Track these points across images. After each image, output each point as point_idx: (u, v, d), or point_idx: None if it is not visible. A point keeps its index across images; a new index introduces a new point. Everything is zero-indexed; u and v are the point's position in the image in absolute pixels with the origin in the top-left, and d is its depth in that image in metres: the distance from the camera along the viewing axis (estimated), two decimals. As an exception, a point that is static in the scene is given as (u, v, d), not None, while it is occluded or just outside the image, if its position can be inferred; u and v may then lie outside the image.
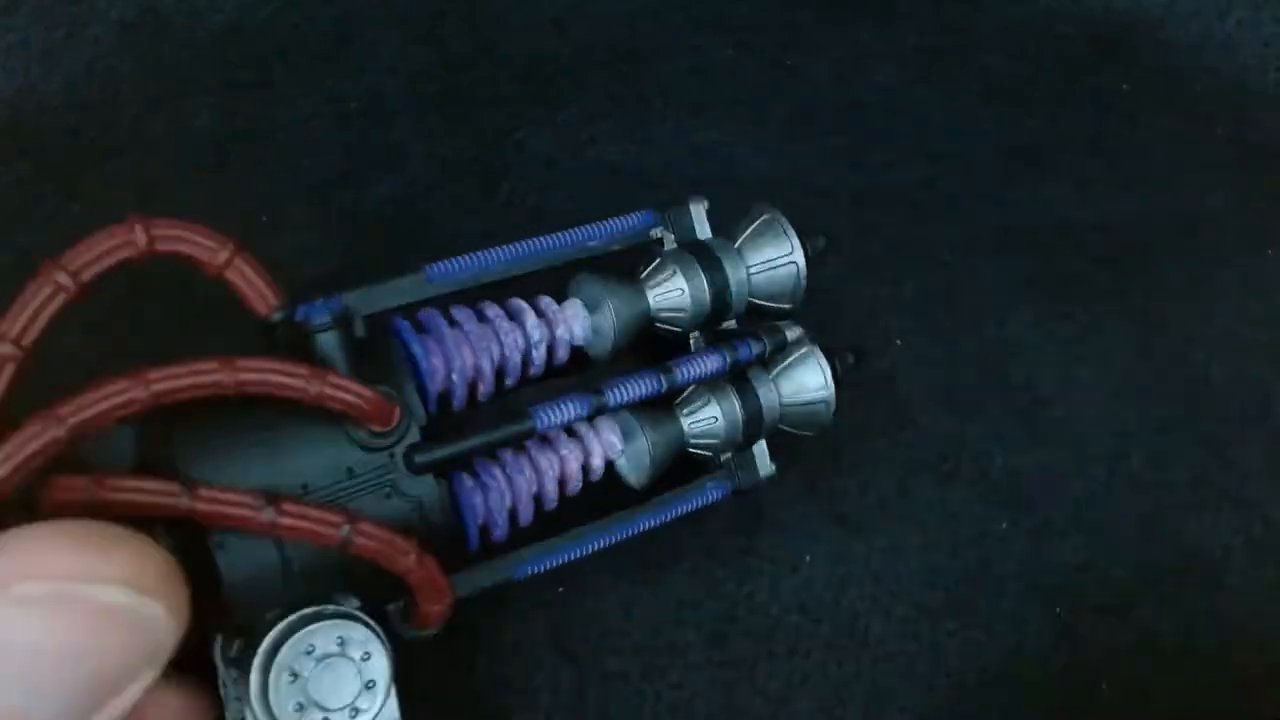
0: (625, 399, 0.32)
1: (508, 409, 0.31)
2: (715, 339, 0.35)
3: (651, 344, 0.34)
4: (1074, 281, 0.42)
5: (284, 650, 0.26)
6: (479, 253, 0.32)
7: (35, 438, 0.23)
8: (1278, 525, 0.39)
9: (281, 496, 0.25)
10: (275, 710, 0.26)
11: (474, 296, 0.32)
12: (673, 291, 0.33)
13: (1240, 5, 0.49)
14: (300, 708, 0.26)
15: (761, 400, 0.34)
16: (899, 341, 0.41)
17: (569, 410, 0.31)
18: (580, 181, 0.42)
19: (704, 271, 0.33)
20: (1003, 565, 0.37)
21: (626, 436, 0.33)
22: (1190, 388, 0.41)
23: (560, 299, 0.33)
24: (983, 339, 0.41)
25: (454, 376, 0.31)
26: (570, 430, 0.33)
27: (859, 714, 0.35)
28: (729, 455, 0.35)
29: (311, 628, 0.26)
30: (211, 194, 0.38)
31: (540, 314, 0.33)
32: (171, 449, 0.26)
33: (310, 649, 0.26)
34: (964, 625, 0.37)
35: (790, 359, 0.35)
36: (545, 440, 0.32)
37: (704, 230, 0.35)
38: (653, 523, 0.34)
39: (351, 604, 0.27)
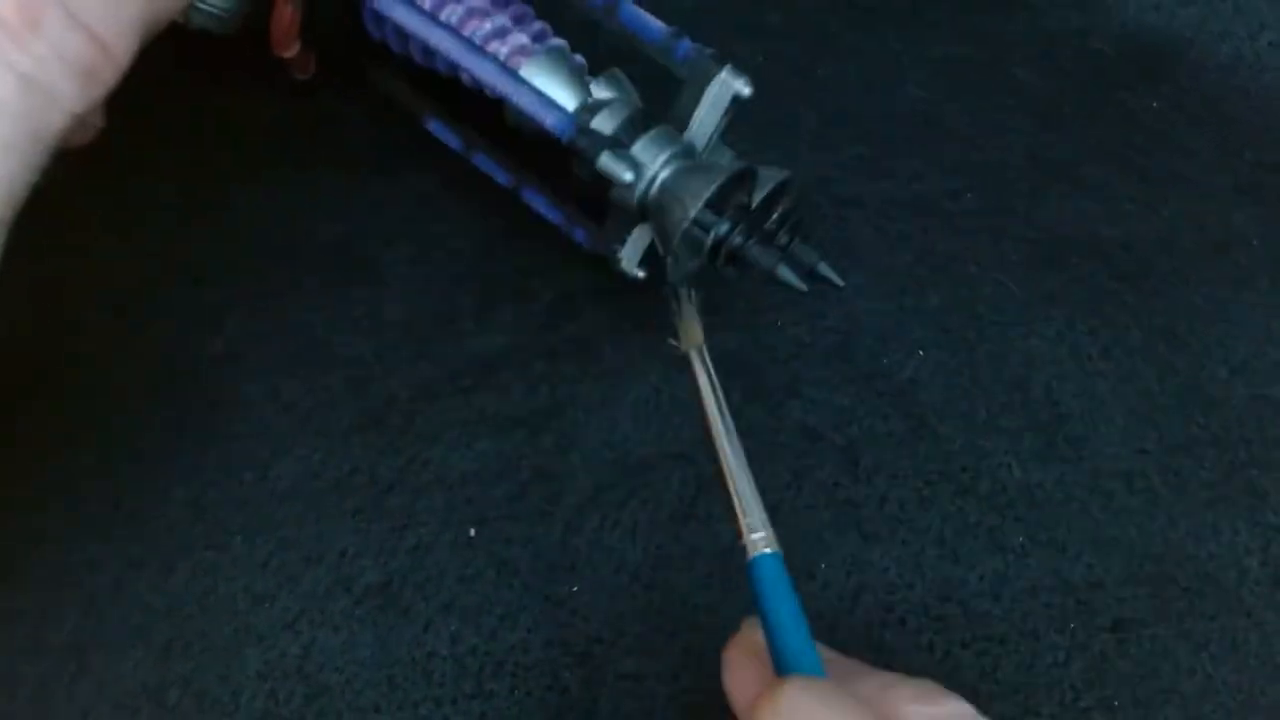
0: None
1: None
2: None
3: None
4: (1098, 297, 0.42)
5: None
6: None
7: None
8: (1295, 548, 0.39)
9: None
10: None
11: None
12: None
13: (1271, 26, 0.49)
14: None
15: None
16: (921, 352, 0.41)
17: None
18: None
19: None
20: (1018, 579, 0.37)
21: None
22: (1210, 408, 0.41)
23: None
24: (1005, 352, 0.41)
25: None
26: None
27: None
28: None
29: None
30: None
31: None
32: None
33: None
34: (977, 638, 0.36)
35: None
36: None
37: (708, 116, 0.36)
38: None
39: None
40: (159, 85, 0.35)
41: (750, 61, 0.46)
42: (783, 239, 0.36)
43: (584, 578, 0.37)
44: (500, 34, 0.38)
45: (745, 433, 0.38)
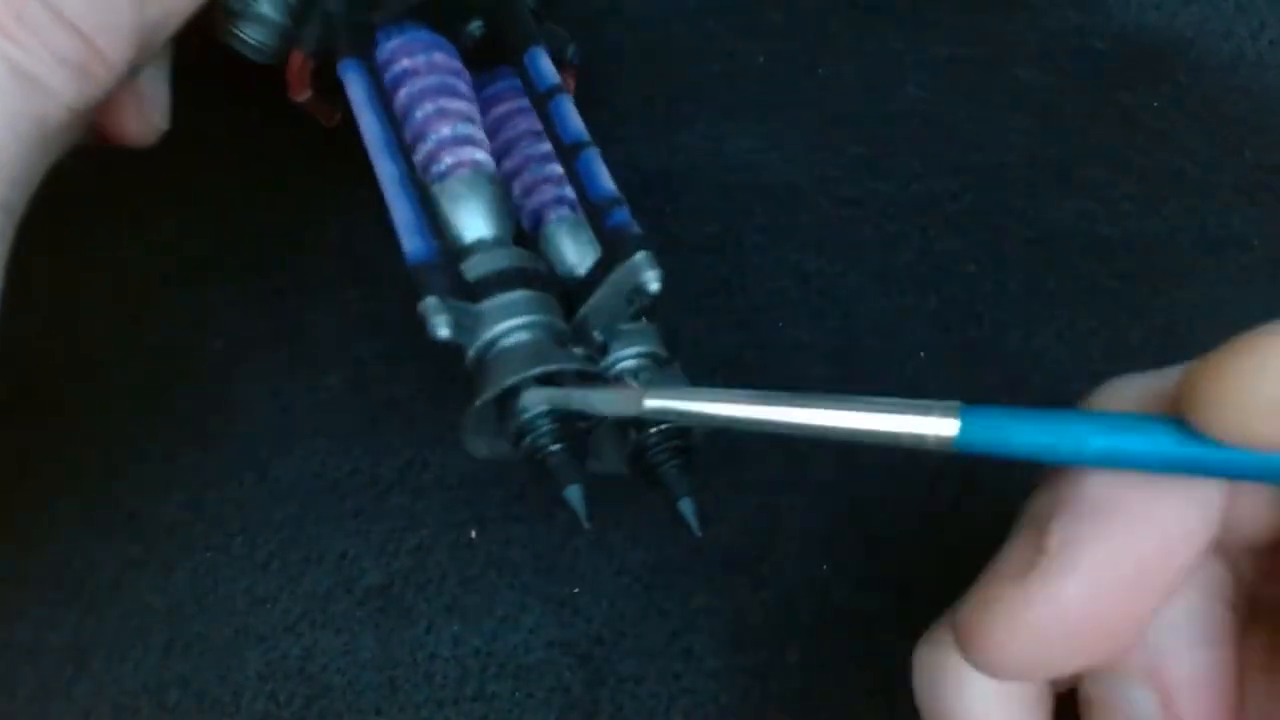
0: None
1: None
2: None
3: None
4: (1098, 297, 0.42)
5: None
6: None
7: None
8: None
9: None
10: None
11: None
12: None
13: (1272, 26, 0.49)
14: None
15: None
16: (922, 353, 0.41)
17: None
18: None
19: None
20: (1019, 580, 0.37)
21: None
22: (1211, 408, 0.41)
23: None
24: (1006, 352, 0.41)
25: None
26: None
27: (873, 724, 0.35)
28: None
29: None
30: None
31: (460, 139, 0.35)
32: None
33: None
34: (978, 639, 0.36)
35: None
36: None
37: (608, 297, 0.32)
38: None
39: None
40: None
41: (751, 61, 0.47)
42: (657, 456, 0.33)
43: (585, 578, 0.37)
44: (459, 142, 0.34)
45: (745, 433, 0.39)
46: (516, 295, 0.32)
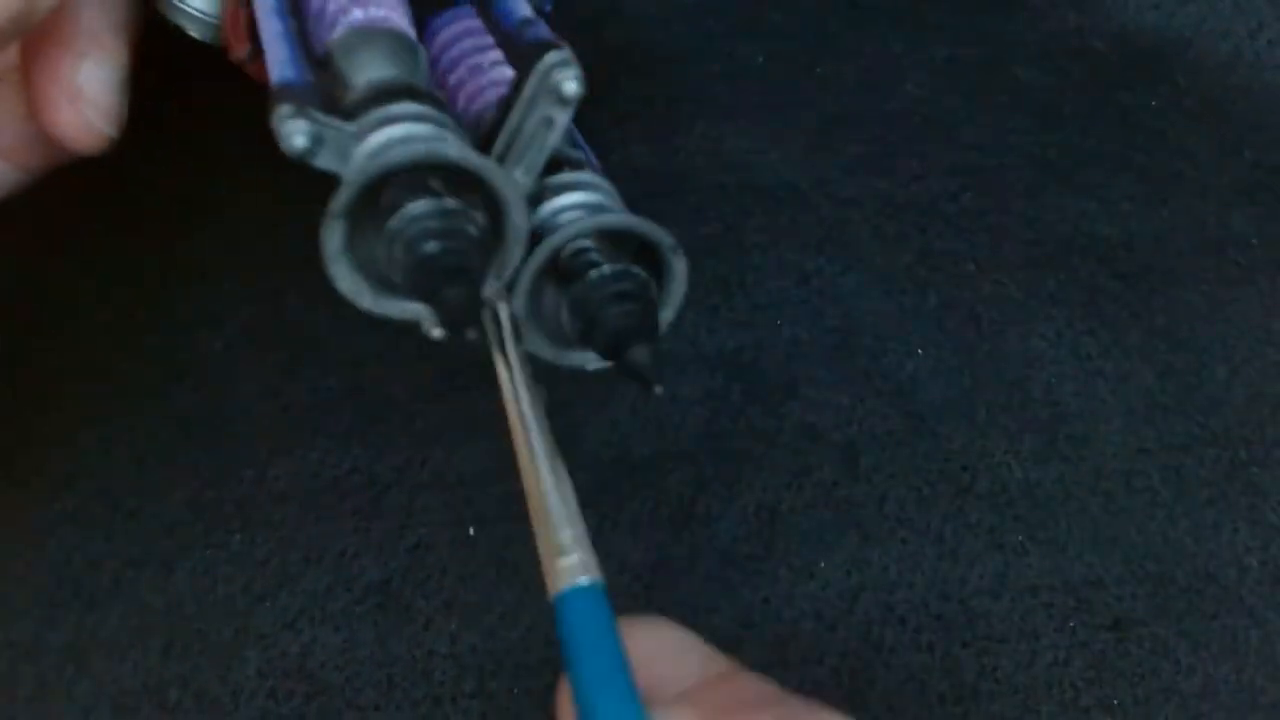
0: None
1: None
2: None
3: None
4: (1097, 297, 0.42)
5: None
6: None
7: None
8: (1296, 548, 0.39)
9: None
10: None
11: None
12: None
13: (1271, 25, 0.49)
14: None
15: None
16: (920, 351, 0.41)
17: None
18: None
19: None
20: (1018, 579, 0.37)
21: None
22: (1210, 407, 0.41)
23: None
24: (1004, 352, 0.41)
25: None
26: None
27: (871, 723, 0.35)
28: None
29: None
30: None
31: None
32: None
33: None
34: (977, 637, 0.36)
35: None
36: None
37: (527, 114, 0.27)
38: None
39: None
40: (160, 84, 0.35)
41: (751, 61, 0.47)
42: (597, 294, 0.27)
43: (584, 577, 0.37)
44: (371, 20, 0.30)
45: (745, 433, 0.39)
46: (405, 106, 0.26)
